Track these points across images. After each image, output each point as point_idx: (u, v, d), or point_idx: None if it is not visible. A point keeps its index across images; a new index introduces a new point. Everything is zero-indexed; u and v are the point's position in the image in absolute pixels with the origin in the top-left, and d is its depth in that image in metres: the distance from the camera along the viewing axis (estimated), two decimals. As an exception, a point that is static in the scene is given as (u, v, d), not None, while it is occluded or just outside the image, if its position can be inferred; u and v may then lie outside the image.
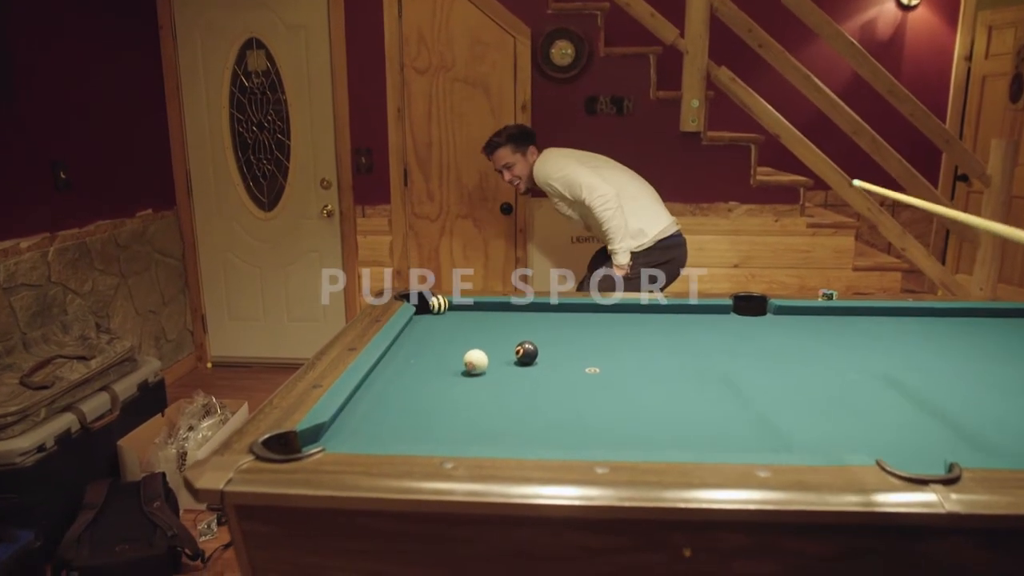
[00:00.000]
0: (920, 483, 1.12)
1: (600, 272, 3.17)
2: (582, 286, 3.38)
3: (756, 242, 3.90)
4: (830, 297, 2.33)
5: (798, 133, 3.67)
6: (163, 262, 4.14)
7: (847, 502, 1.08)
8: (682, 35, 3.65)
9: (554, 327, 2.15)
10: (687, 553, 1.13)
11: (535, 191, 3.40)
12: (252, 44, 4.08)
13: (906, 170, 3.68)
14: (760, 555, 1.13)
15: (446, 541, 1.17)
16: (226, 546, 2.62)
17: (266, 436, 1.27)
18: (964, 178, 4.93)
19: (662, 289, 3.17)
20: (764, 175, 3.96)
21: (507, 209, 4.06)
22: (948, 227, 3.84)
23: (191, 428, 2.99)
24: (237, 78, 4.14)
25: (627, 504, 1.09)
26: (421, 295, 2.33)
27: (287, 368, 4.36)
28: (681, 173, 3.87)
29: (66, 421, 2.62)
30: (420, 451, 1.23)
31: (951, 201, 4.74)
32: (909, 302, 2.31)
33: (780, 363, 1.84)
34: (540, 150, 3.28)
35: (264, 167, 4.25)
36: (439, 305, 2.30)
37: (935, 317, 2.24)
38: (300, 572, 1.22)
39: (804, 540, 1.12)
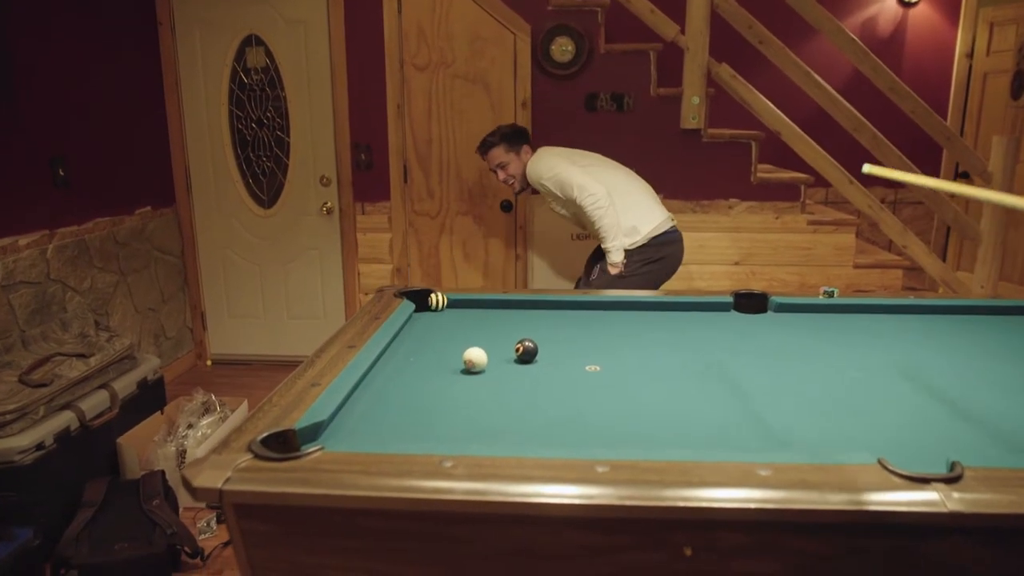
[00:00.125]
0: (922, 482, 1.11)
1: (596, 271, 3.17)
2: (579, 284, 3.38)
3: (757, 239, 3.89)
4: (831, 295, 2.32)
5: (799, 130, 3.66)
6: (162, 259, 4.13)
7: (849, 501, 1.08)
8: (683, 32, 3.64)
9: (554, 325, 2.14)
10: (688, 552, 1.13)
11: (530, 190, 3.39)
12: (251, 40, 4.07)
13: (907, 167, 3.67)
14: (761, 554, 1.13)
15: (445, 540, 1.17)
16: (225, 544, 2.62)
17: (264, 435, 1.26)
18: (965, 175, 4.92)
19: (658, 286, 3.16)
20: (765, 172, 3.95)
21: (507, 206, 4.05)
22: (949, 224, 3.83)
23: (190, 426, 2.99)
24: (236, 75, 4.12)
25: (628, 503, 1.09)
26: (420, 292, 2.32)
27: (287, 366, 4.35)
28: (682, 170, 3.86)
29: (65, 419, 2.61)
30: (419, 450, 1.23)
31: (951, 199, 4.73)
32: (910, 300, 2.30)
33: (781, 361, 1.83)
34: (536, 149, 3.27)
35: (263, 164, 4.24)
36: (437, 302, 2.29)
37: (936, 315, 2.24)
38: (299, 571, 1.21)
39: (805, 539, 1.11)
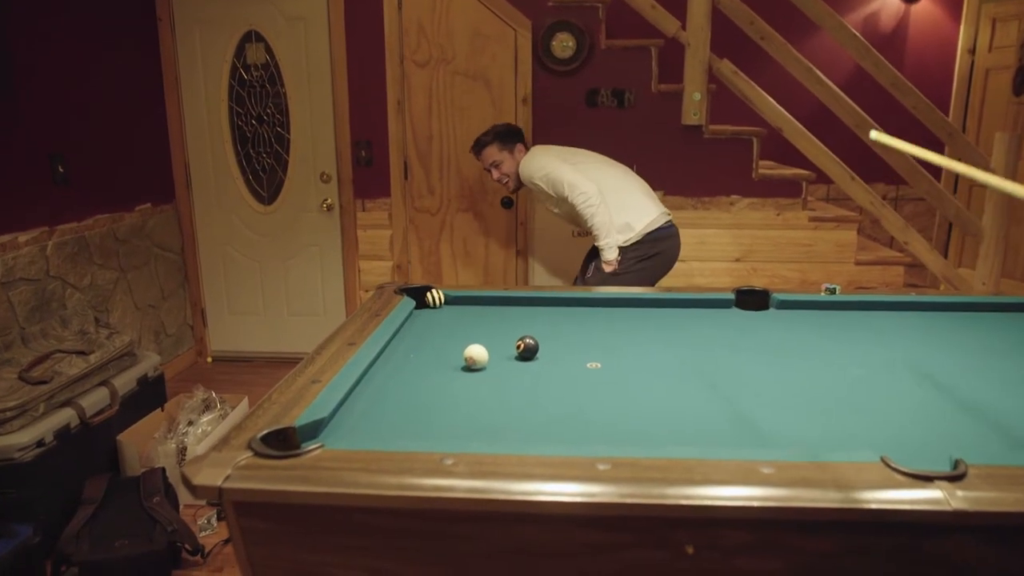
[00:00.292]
0: (925, 480, 1.11)
1: (591, 269, 3.17)
2: (576, 283, 3.37)
3: (758, 236, 3.89)
4: (833, 291, 2.31)
5: (800, 126, 3.65)
6: (162, 256, 4.13)
7: (852, 499, 1.07)
8: (684, 27, 3.63)
9: (555, 322, 2.13)
10: (690, 550, 1.12)
11: (524, 190, 3.39)
12: (251, 37, 4.06)
13: (909, 164, 3.66)
14: (763, 552, 1.12)
15: (446, 538, 1.16)
16: (226, 541, 2.62)
17: (264, 432, 1.26)
18: (967, 172, 4.90)
19: (655, 282, 3.15)
20: (766, 169, 3.94)
21: (508, 203, 4.04)
22: (951, 220, 3.82)
23: (191, 423, 2.98)
24: (236, 71, 4.11)
25: (629, 501, 1.08)
26: (420, 289, 2.31)
27: (287, 362, 4.35)
28: (683, 166, 3.85)
29: (65, 416, 2.61)
30: (420, 447, 1.22)
31: (953, 195, 4.72)
32: (912, 296, 2.30)
33: (783, 358, 1.83)
34: (531, 147, 3.27)
35: (263, 161, 4.23)
36: (434, 299, 2.29)
37: (939, 312, 2.23)
38: (299, 569, 1.21)
39: (808, 537, 1.11)
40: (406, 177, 4.08)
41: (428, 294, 2.29)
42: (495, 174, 3.28)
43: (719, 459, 1.17)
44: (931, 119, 3.63)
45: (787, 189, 3.87)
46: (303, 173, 4.22)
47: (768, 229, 3.87)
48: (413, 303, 2.24)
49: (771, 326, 2.10)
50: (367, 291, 4.27)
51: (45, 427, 2.51)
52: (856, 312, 2.23)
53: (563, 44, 3.81)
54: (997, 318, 2.16)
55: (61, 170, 3.28)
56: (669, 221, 3.17)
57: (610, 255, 3.02)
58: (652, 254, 3.09)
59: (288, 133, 4.17)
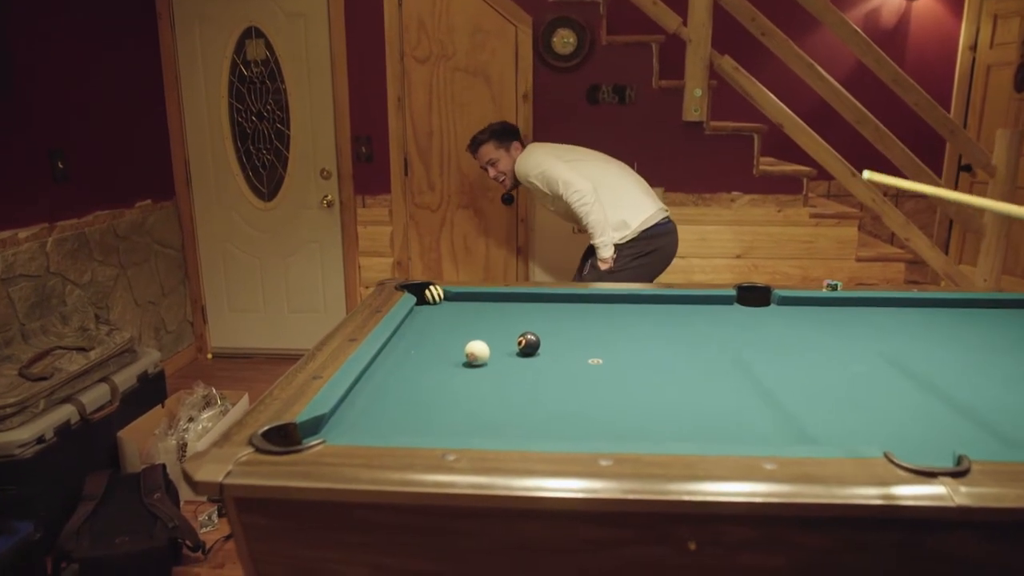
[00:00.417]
0: (929, 476, 1.10)
1: (587, 267, 3.16)
2: (575, 279, 3.36)
3: (759, 232, 3.88)
4: (835, 288, 2.31)
5: (801, 122, 3.64)
6: (162, 253, 4.12)
7: (855, 495, 1.07)
8: (685, 23, 3.62)
9: (556, 318, 2.13)
10: (692, 546, 1.12)
11: (521, 187, 3.39)
12: (251, 33, 4.05)
13: (910, 160, 3.66)
14: (766, 548, 1.12)
15: (448, 534, 1.16)
16: (227, 537, 2.62)
17: (266, 428, 1.25)
18: (968, 168, 4.90)
19: (652, 279, 3.14)
20: (767, 165, 3.93)
21: (508, 200, 4.03)
22: (952, 217, 3.82)
23: (191, 419, 2.98)
24: (236, 67, 4.11)
25: (632, 497, 1.08)
26: (421, 285, 2.31)
27: (287, 359, 4.34)
28: (684, 163, 3.85)
29: (65, 412, 2.61)
30: (421, 443, 1.22)
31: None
32: (914, 293, 2.29)
33: (785, 354, 1.82)
34: (531, 144, 3.26)
35: (264, 157, 4.23)
36: (433, 296, 2.28)
37: (940, 308, 2.22)
38: (300, 565, 1.20)
39: (811, 533, 1.11)
40: (406, 173, 4.07)
41: (427, 290, 2.29)
42: (491, 172, 3.27)
43: (721, 455, 1.17)
44: (932, 116, 3.62)
45: (788, 185, 3.87)
46: (303, 169, 4.21)
47: (769, 225, 3.87)
48: (414, 299, 2.24)
49: (773, 322, 2.10)
50: (367, 288, 4.26)
51: (45, 423, 2.50)
52: (858, 308, 2.23)
53: (564, 40, 3.80)
54: (999, 314, 2.16)
55: (61, 166, 3.27)
56: (667, 217, 3.15)
57: (605, 253, 3.00)
58: (648, 251, 3.08)
59: (288, 129, 4.17)
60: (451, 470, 1.13)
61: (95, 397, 2.77)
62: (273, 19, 4.01)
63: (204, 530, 2.66)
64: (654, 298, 2.31)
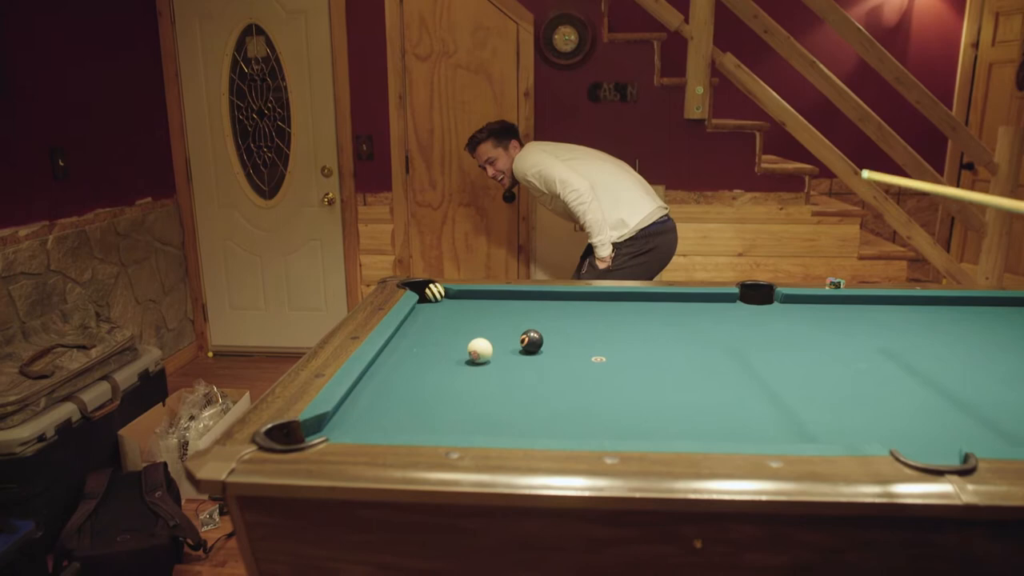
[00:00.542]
0: (935, 474, 1.10)
1: (585, 265, 3.15)
2: (574, 278, 3.36)
3: (760, 230, 3.87)
4: (837, 285, 2.30)
5: (803, 120, 3.63)
6: (163, 251, 4.11)
7: (861, 493, 1.06)
8: (687, 21, 3.61)
9: (559, 315, 2.12)
10: (698, 544, 1.11)
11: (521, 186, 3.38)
12: (252, 30, 4.04)
13: (912, 158, 3.65)
14: (772, 547, 1.11)
15: (451, 533, 1.15)
16: (228, 536, 2.61)
17: (268, 426, 1.25)
18: (970, 166, 4.89)
19: (651, 278, 3.14)
20: (769, 163, 3.92)
21: (509, 198, 4.02)
22: (954, 215, 3.81)
23: (192, 418, 2.98)
24: (237, 65, 4.10)
25: (637, 495, 1.07)
26: (423, 283, 2.30)
27: (288, 357, 4.34)
28: (685, 161, 3.84)
29: (66, 411, 2.60)
30: (425, 441, 1.21)
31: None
32: (918, 291, 2.29)
33: (789, 352, 1.82)
34: (530, 143, 3.25)
35: (264, 155, 4.22)
36: (434, 294, 2.27)
37: (944, 306, 2.22)
38: (303, 563, 1.20)
39: (817, 531, 1.10)
40: (407, 171, 4.07)
41: (427, 289, 2.28)
42: (490, 171, 3.26)
43: (727, 453, 1.16)
44: (935, 113, 3.61)
45: (790, 183, 3.86)
46: (304, 167, 4.20)
47: (771, 223, 3.86)
48: (416, 297, 2.23)
49: (776, 320, 2.09)
50: (368, 286, 4.26)
51: (46, 422, 2.50)
52: (861, 306, 2.22)
53: (565, 37, 3.79)
54: (1003, 312, 2.15)
55: (62, 164, 3.26)
56: (666, 215, 3.14)
57: (603, 252, 3.00)
58: (646, 250, 3.07)
59: (289, 127, 4.16)
60: (455, 468, 1.13)
61: (96, 395, 2.76)
62: (274, 16, 4.00)
63: (205, 528, 2.66)
64: (657, 296, 2.31)
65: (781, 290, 2.26)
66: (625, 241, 3.04)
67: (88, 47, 3.48)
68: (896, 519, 1.08)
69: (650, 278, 3.11)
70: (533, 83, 3.87)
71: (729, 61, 3.63)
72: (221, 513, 2.72)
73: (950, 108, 4.85)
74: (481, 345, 1.73)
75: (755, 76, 3.63)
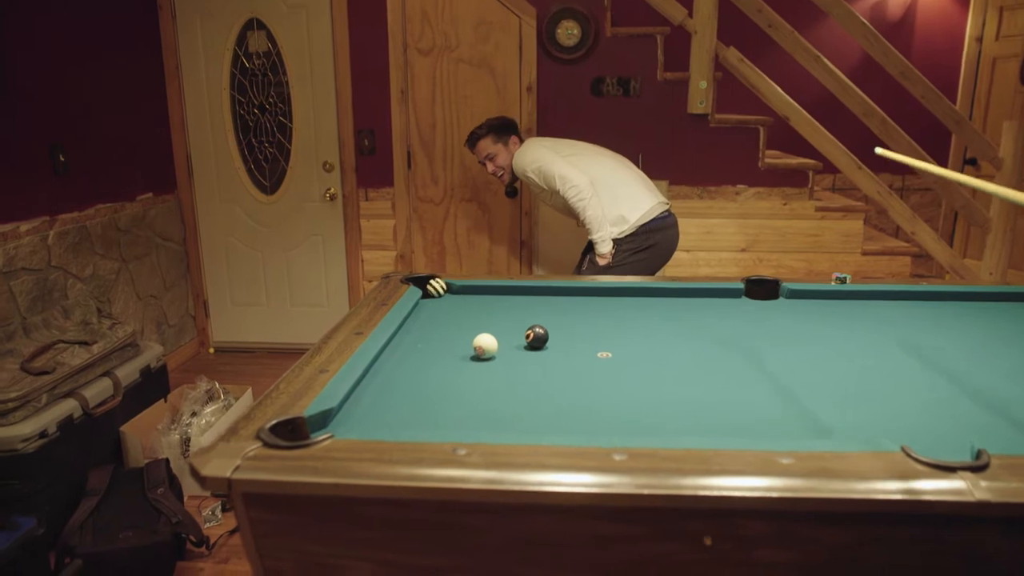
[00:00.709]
0: (948, 470, 1.09)
1: (585, 262, 3.13)
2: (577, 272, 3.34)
3: (764, 226, 3.86)
4: (843, 281, 2.29)
5: (807, 115, 3.61)
6: (164, 246, 4.10)
7: (874, 489, 1.05)
8: (690, 15, 3.59)
9: (564, 311, 2.11)
10: (708, 541, 1.10)
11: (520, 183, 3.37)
12: (253, 24, 4.02)
13: (916, 153, 3.63)
14: (782, 543, 1.10)
15: (458, 530, 1.14)
16: (231, 532, 2.61)
17: (273, 422, 1.23)
18: (973, 162, 4.87)
19: (653, 273, 3.12)
20: (772, 158, 3.91)
21: (512, 193, 4.01)
22: (958, 211, 3.80)
23: (194, 414, 2.97)
24: (238, 59, 4.08)
25: (647, 491, 1.06)
26: (427, 278, 2.29)
27: (290, 353, 4.33)
28: (688, 155, 3.82)
29: (68, 407, 2.59)
30: (431, 437, 1.20)
31: (958, 185, 4.69)
32: (924, 286, 2.27)
33: (795, 347, 1.80)
34: (530, 139, 3.24)
35: (266, 150, 4.20)
36: (436, 290, 2.26)
37: (952, 302, 2.21)
38: (308, 560, 1.19)
39: (828, 528, 1.09)
40: (409, 166, 4.05)
41: (429, 284, 2.26)
42: (490, 167, 3.25)
43: (737, 449, 1.15)
44: (939, 108, 3.59)
45: (793, 179, 3.84)
46: (306, 162, 4.19)
47: (774, 219, 3.85)
48: (420, 292, 2.22)
49: (782, 316, 2.08)
50: (370, 281, 4.25)
51: (48, 418, 2.49)
52: (867, 302, 2.21)
53: (568, 32, 3.77)
54: (1007, 308, 2.14)
55: (62, 159, 3.25)
56: (667, 211, 3.12)
57: (603, 248, 2.98)
58: (647, 246, 3.05)
59: (290, 122, 4.14)
60: (462, 464, 1.12)
61: (97, 391, 2.75)
62: (275, 10, 3.98)
63: (208, 525, 2.65)
64: (662, 291, 2.30)
65: (787, 285, 2.25)
66: (625, 237, 3.02)
67: (88, 42, 3.46)
68: (908, 516, 1.07)
69: (651, 274, 3.09)
70: (536, 77, 3.85)
71: (733, 55, 3.61)
72: (224, 510, 2.71)
73: (953, 103, 4.83)
74: (486, 340, 1.71)
75: (759, 71, 3.62)
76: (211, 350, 4.49)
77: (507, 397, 1.51)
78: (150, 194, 3.96)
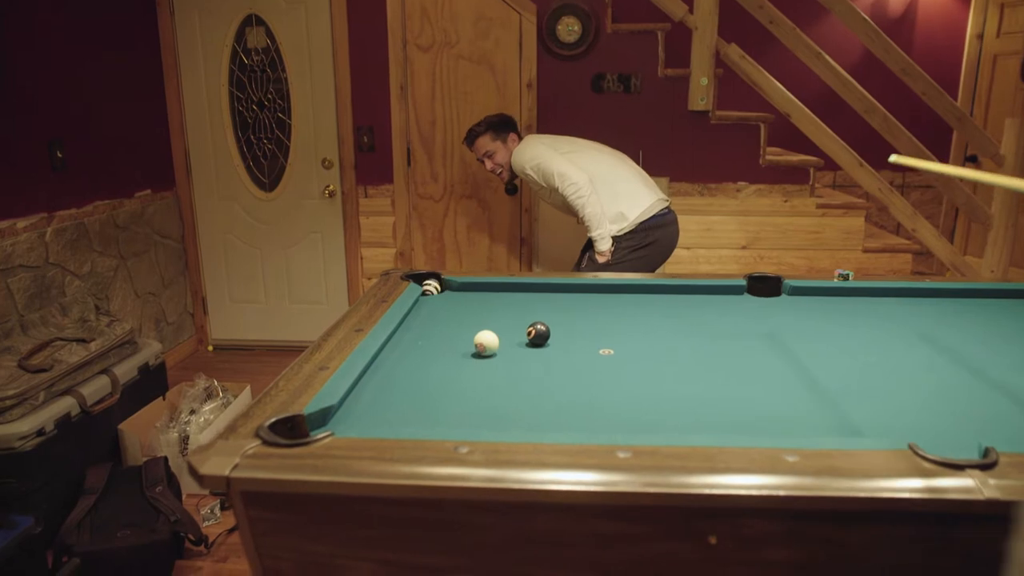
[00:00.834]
0: (956, 468, 1.07)
1: (585, 259, 3.12)
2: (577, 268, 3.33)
3: (765, 223, 3.85)
4: (846, 278, 2.27)
5: (808, 112, 3.60)
6: (163, 244, 4.08)
7: (881, 488, 1.04)
8: (691, 11, 3.57)
9: (565, 308, 2.10)
10: (712, 540, 1.09)
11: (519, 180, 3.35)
12: (251, 20, 4.00)
13: (917, 150, 3.62)
14: (787, 542, 1.09)
15: (459, 528, 1.13)
16: (230, 531, 2.59)
17: (273, 420, 1.22)
18: (973, 159, 4.86)
19: (653, 271, 3.10)
20: (773, 155, 3.89)
21: (512, 190, 3.99)
22: (959, 208, 3.79)
23: (193, 412, 2.95)
24: (236, 56, 4.06)
25: (651, 490, 1.05)
26: (427, 275, 2.28)
27: (289, 351, 4.32)
28: (689, 152, 3.81)
29: (66, 404, 2.58)
30: (432, 435, 1.19)
31: (960, 183, 4.67)
32: (926, 283, 2.26)
33: (799, 344, 1.79)
34: (528, 136, 3.22)
35: (264, 147, 4.18)
36: (432, 290, 2.24)
37: (955, 299, 2.19)
38: (308, 559, 1.17)
39: (834, 526, 1.08)
40: (409, 163, 4.03)
41: (424, 287, 2.24)
42: (488, 164, 3.23)
43: (741, 447, 1.14)
44: (941, 105, 3.58)
45: (794, 175, 3.83)
46: (305, 159, 4.17)
47: (775, 216, 3.83)
48: (420, 289, 2.20)
49: (785, 313, 2.07)
50: (370, 279, 4.23)
51: (45, 416, 2.47)
52: (870, 298, 2.19)
53: (568, 28, 3.76)
54: (1011, 305, 2.13)
55: (60, 156, 3.23)
56: (666, 208, 3.10)
57: (603, 246, 2.96)
58: (647, 243, 3.03)
59: (289, 119, 4.12)
60: (464, 463, 1.10)
61: (95, 389, 2.74)
62: (274, 6, 3.96)
63: (206, 523, 2.64)
64: (664, 288, 2.28)
65: (789, 282, 2.24)
66: (625, 235, 3.00)
67: (87, 38, 3.44)
68: (916, 514, 1.05)
69: (651, 271, 3.08)
70: (536, 74, 3.84)
71: (734, 52, 3.59)
72: (222, 508, 2.70)
73: (954, 100, 4.82)
74: (488, 337, 1.70)
75: (760, 67, 3.60)
76: (210, 347, 4.47)
77: (508, 394, 1.50)
78: (148, 191, 3.94)
